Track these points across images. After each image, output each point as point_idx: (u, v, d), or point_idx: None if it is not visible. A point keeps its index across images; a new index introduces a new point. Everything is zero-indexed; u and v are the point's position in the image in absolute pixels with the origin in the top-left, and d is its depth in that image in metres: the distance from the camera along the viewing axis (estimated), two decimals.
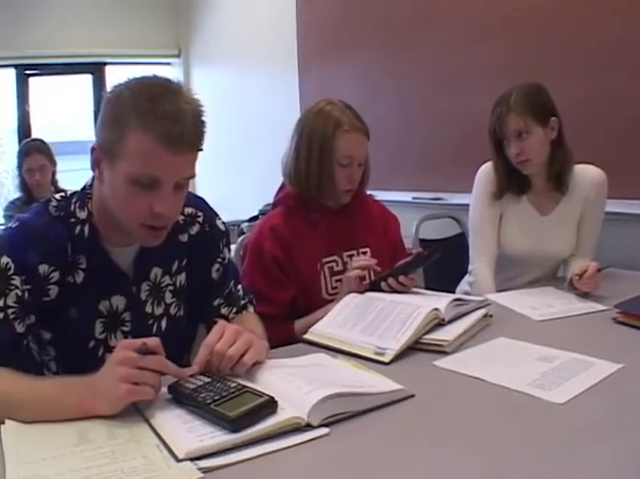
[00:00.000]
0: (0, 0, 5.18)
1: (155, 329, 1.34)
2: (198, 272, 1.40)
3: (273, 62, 4.59)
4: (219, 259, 1.43)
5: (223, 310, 1.45)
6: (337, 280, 1.75)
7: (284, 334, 1.59)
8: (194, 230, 1.38)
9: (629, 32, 2.26)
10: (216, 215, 1.45)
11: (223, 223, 1.46)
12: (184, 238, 1.37)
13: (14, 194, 3.76)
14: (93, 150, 1.18)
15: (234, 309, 1.46)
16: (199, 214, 1.39)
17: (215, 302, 1.44)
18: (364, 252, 1.82)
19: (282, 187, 1.86)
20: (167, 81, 1.16)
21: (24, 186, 3.47)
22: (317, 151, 1.71)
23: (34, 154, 3.44)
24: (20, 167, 3.46)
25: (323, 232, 1.77)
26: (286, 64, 4.28)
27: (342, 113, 1.72)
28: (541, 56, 2.57)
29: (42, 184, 3.40)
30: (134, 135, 1.09)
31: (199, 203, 1.41)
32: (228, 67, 5.39)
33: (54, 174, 3.52)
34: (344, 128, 1.69)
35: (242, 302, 1.48)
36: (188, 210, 1.37)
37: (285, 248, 1.72)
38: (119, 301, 1.28)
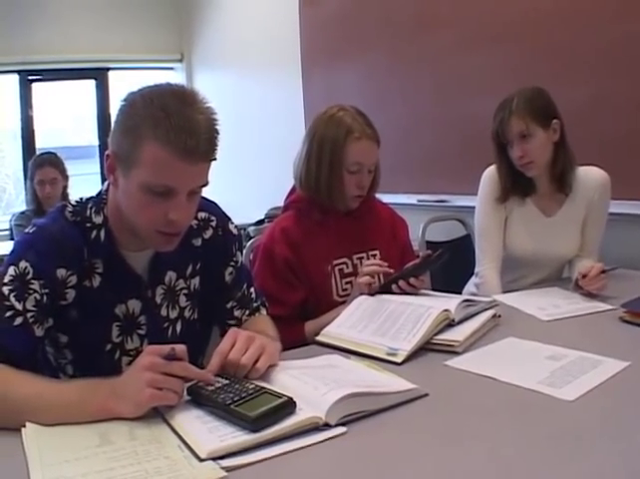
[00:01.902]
0: (2, 6, 5.20)
1: (170, 333, 1.36)
2: (212, 276, 1.42)
3: (276, 66, 4.61)
4: (232, 263, 1.45)
5: (236, 313, 1.46)
6: (347, 282, 1.77)
7: (295, 336, 1.61)
8: (208, 234, 1.40)
9: (632, 35, 2.28)
10: (229, 219, 1.47)
11: (236, 227, 1.48)
12: (198, 242, 1.39)
13: (16, 198, 3.80)
14: (107, 157, 1.20)
15: (247, 312, 1.48)
16: (213, 218, 1.41)
17: (229, 305, 1.46)
18: (373, 255, 1.84)
19: (293, 190, 1.88)
20: (181, 89, 1.17)
21: (35, 197, 3.50)
22: (328, 157, 1.73)
23: (46, 166, 3.47)
24: (32, 178, 3.49)
25: (333, 234, 1.79)
26: (290, 68, 4.29)
27: (353, 119, 1.74)
28: (546, 59, 2.59)
29: (52, 196, 3.42)
30: (148, 146, 1.10)
31: (212, 207, 1.43)
32: (231, 71, 5.40)
33: (65, 188, 3.54)
34: (355, 135, 1.71)
35: (255, 305, 1.50)
36: (202, 214, 1.39)
37: (296, 251, 1.74)
38: (134, 305, 1.30)
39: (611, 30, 2.35)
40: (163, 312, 1.35)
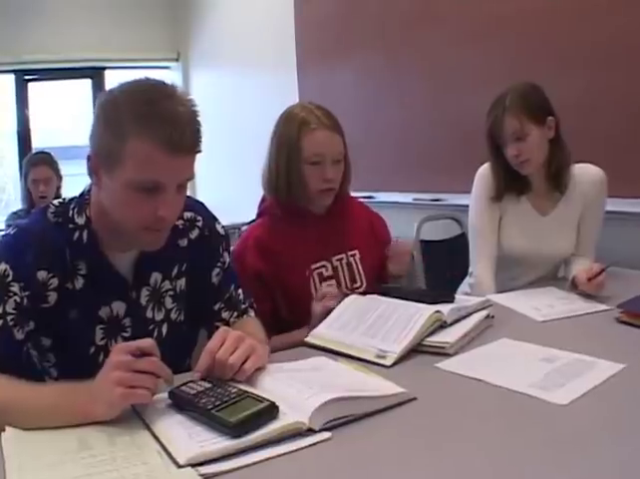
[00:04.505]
0: None
1: (155, 335, 1.33)
2: (199, 277, 1.39)
3: (272, 64, 4.59)
4: (219, 264, 1.43)
5: (224, 314, 1.44)
6: (327, 286, 1.72)
7: None
8: (194, 234, 1.38)
9: (627, 31, 2.25)
10: (216, 219, 1.44)
11: (223, 227, 1.45)
12: (184, 242, 1.36)
13: (15, 199, 3.77)
14: (89, 158, 1.17)
15: (235, 313, 1.45)
16: (199, 218, 1.39)
17: (216, 307, 1.44)
18: (352, 255, 1.80)
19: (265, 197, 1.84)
20: (161, 84, 1.15)
21: (28, 197, 3.47)
22: (284, 153, 1.69)
23: (41, 165, 3.44)
24: (25, 178, 3.46)
25: (310, 238, 1.75)
26: (285, 66, 4.27)
27: (309, 113, 1.70)
28: (541, 55, 2.56)
29: (46, 196, 3.38)
30: (133, 141, 1.08)
31: (199, 207, 1.41)
32: (227, 70, 5.39)
33: (59, 188, 3.52)
34: (310, 126, 1.67)
35: (243, 306, 1.48)
36: (188, 214, 1.37)
37: (270, 260, 1.69)
38: (119, 307, 1.28)
39: (607, 24, 2.32)
40: (149, 314, 1.32)
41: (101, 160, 1.14)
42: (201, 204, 1.43)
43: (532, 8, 2.61)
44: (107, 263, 1.25)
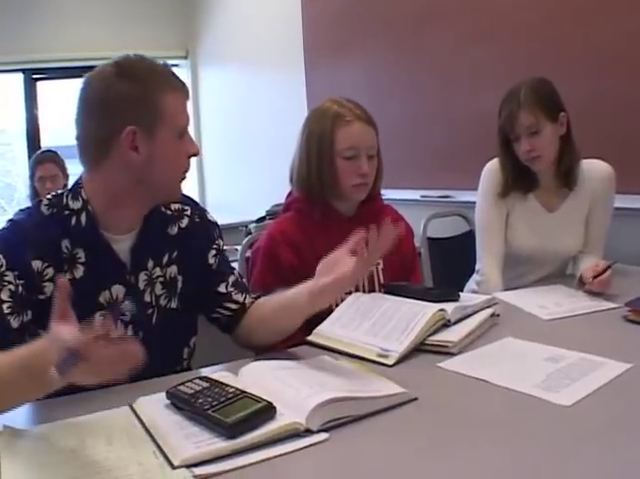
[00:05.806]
0: (6, 5, 5.20)
1: (154, 319, 1.33)
2: (194, 262, 1.40)
3: (281, 62, 4.58)
4: (215, 246, 1.44)
5: (238, 297, 1.42)
6: (346, 292, 1.61)
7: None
8: (184, 222, 1.40)
9: (637, 30, 2.23)
10: (205, 210, 1.48)
11: (212, 217, 1.49)
12: (173, 230, 1.38)
13: (26, 197, 3.79)
14: (128, 134, 1.20)
15: (249, 295, 1.44)
16: (186, 208, 1.42)
17: (222, 289, 1.42)
18: (376, 264, 1.70)
19: (292, 191, 1.79)
20: (135, 54, 1.28)
21: (35, 195, 3.48)
22: (316, 146, 1.64)
23: (47, 163, 3.46)
24: (32, 175, 3.48)
25: (334, 239, 1.63)
26: (294, 63, 4.26)
27: (341, 106, 1.65)
28: (551, 54, 2.54)
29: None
30: (166, 98, 1.22)
31: (186, 200, 1.44)
32: (236, 68, 5.38)
33: (65, 186, 3.50)
34: (345, 119, 1.62)
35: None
36: (175, 206, 1.40)
37: (298, 254, 1.64)
38: (118, 291, 1.28)
39: (616, 23, 2.30)
40: (147, 298, 1.33)
41: (140, 127, 1.20)
42: (189, 197, 1.46)
43: (542, 8, 2.60)
44: (106, 245, 1.26)
